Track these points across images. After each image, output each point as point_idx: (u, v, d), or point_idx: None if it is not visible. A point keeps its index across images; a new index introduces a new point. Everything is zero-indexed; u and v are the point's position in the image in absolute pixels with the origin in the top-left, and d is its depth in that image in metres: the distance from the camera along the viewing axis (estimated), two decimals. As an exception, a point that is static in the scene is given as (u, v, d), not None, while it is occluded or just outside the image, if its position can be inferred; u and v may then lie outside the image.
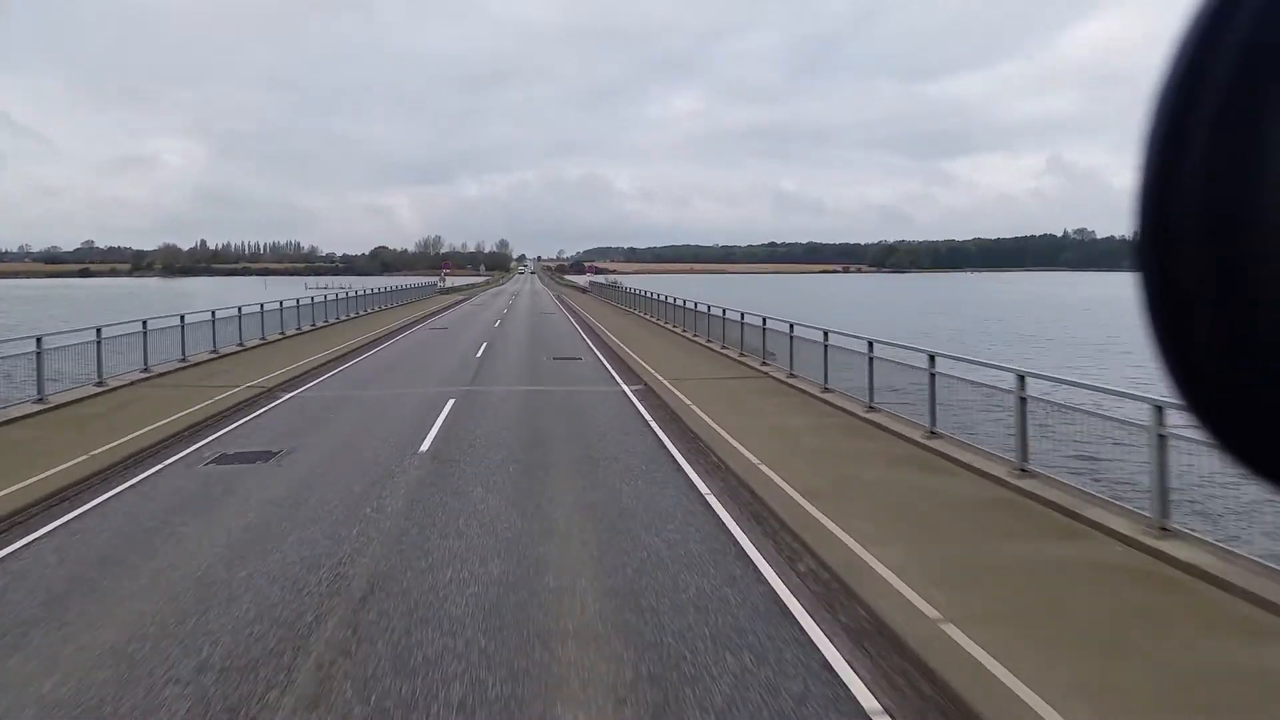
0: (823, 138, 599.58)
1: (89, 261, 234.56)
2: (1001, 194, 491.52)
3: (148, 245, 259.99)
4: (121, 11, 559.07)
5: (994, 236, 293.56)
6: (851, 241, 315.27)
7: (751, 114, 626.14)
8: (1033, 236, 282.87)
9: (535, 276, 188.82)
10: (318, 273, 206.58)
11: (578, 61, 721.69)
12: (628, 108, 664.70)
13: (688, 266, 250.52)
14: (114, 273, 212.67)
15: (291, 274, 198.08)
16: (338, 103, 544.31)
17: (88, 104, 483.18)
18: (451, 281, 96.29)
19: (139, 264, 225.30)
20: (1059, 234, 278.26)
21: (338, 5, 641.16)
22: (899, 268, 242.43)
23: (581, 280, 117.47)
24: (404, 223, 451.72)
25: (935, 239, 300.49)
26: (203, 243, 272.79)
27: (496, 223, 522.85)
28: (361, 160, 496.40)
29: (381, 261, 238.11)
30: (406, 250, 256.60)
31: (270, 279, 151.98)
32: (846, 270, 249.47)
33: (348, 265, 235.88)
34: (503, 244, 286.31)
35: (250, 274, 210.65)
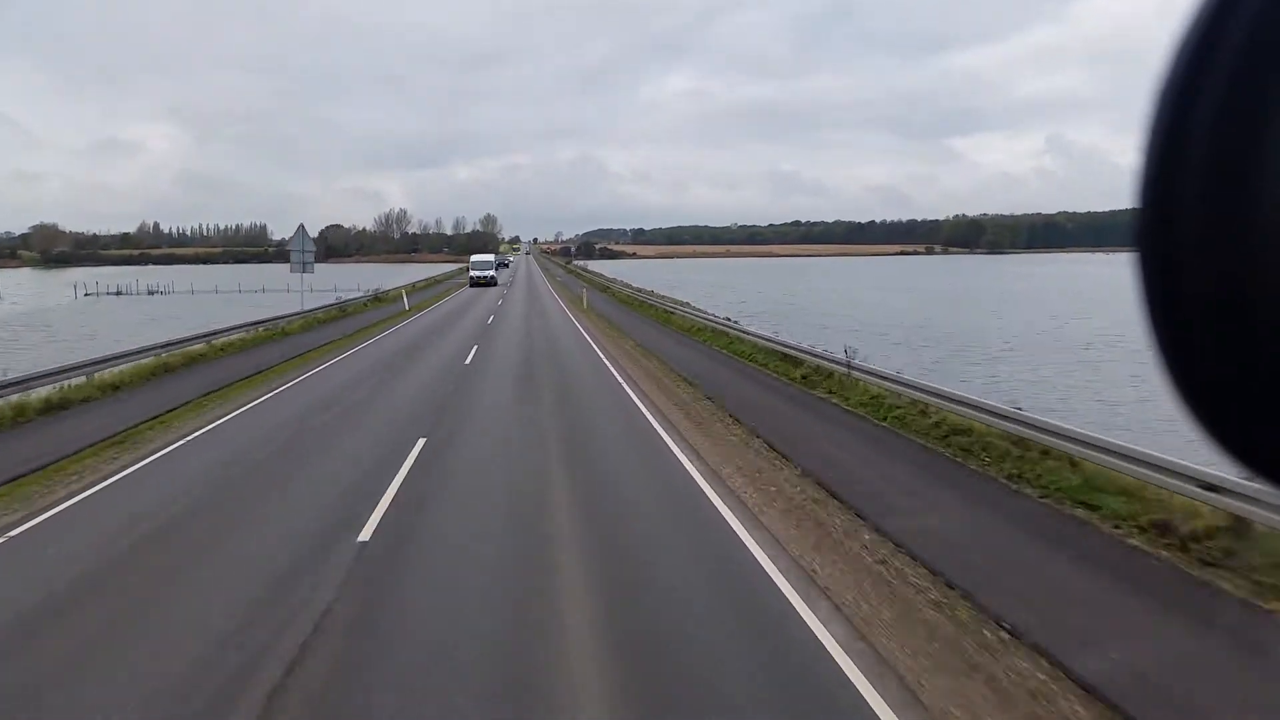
0: (825, 116, 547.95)
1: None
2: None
3: (122, 229, 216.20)
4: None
5: (1084, 210, 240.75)
6: (866, 221, 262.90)
7: (751, 94, 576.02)
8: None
9: (530, 259, 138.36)
10: (241, 259, 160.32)
11: (571, 41, 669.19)
12: (622, 89, 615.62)
13: (724, 249, 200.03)
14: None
15: (202, 261, 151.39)
16: (326, 86, 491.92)
17: (63, 89, 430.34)
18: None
19: (7, 249, 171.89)
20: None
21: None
22: (996, 248, 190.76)
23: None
24: (395, 207, 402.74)
25: (962, 215, 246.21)
26: (156, 226, 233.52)
27: (492, 207, 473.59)
28: (350, 144, 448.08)
29: (328, 245, 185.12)
30: (365, 229, 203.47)
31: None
32: (930, 251, 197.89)
33: (279, 250, 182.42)
34: (489, 220, 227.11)
35: (149, 261, 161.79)
